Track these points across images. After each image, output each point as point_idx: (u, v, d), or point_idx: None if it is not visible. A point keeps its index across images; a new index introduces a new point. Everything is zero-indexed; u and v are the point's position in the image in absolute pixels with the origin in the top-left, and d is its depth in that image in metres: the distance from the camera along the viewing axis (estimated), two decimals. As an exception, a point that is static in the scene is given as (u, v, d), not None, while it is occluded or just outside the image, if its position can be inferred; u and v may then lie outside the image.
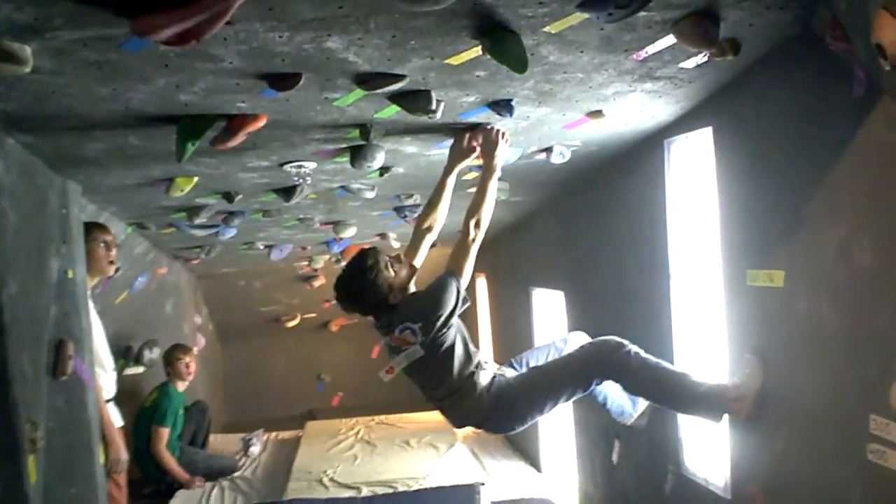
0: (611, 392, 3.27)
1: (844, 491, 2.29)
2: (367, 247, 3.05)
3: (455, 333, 2.95)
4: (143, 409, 5.59)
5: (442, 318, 2.88)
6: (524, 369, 3.18)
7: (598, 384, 3.04)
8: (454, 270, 2.94)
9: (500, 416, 3.02)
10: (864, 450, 2.16)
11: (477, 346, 3.10)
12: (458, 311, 2.93)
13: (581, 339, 3.34)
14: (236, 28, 1.84)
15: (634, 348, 2.98)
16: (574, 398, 3.04)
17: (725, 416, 2.86)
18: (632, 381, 3.00)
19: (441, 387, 3.00)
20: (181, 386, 5.81)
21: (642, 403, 3.39)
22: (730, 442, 2.98)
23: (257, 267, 7.31)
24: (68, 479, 2.72)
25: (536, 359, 3.25)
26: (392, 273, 2.94)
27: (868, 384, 2.15)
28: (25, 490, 2.34)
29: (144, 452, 5.45)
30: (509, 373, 3.12)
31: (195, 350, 6.24)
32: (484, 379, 2.98)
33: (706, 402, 2.87)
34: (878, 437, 2.11)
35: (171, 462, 5.49)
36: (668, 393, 2.95)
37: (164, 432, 5.47)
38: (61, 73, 2.04)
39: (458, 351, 2.94)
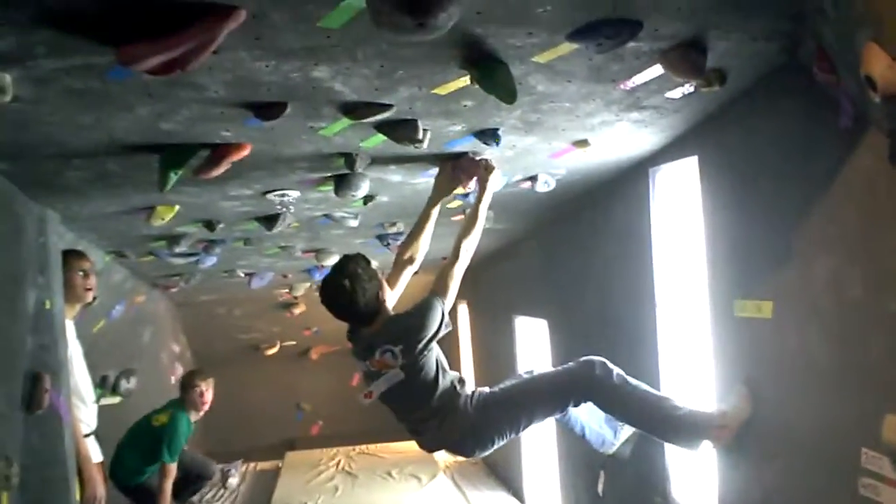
0: (588, 421, 3.22)
1: (837, 525, 2.26)
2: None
3: (434, 357, 2.90)
4: (151, 429, 5.05)
5: (424, 340, 2.83)
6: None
7: (574, 405, 2.98)
8: (439, 292, 2.90)
9: (481, 431, 2.94)
10: (856, 484, 2.13)
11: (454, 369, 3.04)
12: (440, 334, 2.88)
13: None
14: (222, 57, 1.81)
15: (617, 369, 2.94)
16: (548, 418, 2.98)
17: (703, 445, 2.81)
18: (611, 401, 2.94)
19: (420, 410, 2.94)
20: (194, 416, 5.42)
21: (625, 432, 3.33)
22: (719, 473, 2.94)
23: (237, 294, 7.22)
24: (43, 516, 2.64)
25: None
26: (379, 275, 2.87)
27: (860, 417, 2.13)
28: (-2, 529, 2.27)
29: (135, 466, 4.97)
30: (487, 391, 3.04)
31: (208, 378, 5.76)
32: (464, 395, 2.93)
33: (685, 427, 2.82)
34: (871, 471, 2.08)
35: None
36: (647, 415, 2.89)
37: (172, 469, 4.95)
38: (42, 102, 2.00)
39: (438, 374, 2.89)
